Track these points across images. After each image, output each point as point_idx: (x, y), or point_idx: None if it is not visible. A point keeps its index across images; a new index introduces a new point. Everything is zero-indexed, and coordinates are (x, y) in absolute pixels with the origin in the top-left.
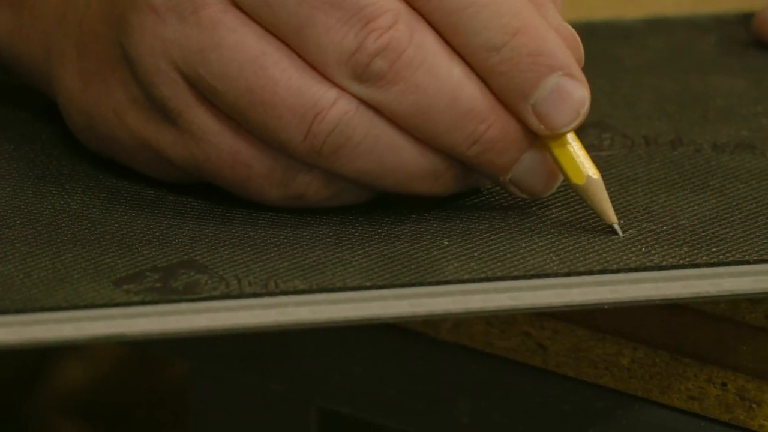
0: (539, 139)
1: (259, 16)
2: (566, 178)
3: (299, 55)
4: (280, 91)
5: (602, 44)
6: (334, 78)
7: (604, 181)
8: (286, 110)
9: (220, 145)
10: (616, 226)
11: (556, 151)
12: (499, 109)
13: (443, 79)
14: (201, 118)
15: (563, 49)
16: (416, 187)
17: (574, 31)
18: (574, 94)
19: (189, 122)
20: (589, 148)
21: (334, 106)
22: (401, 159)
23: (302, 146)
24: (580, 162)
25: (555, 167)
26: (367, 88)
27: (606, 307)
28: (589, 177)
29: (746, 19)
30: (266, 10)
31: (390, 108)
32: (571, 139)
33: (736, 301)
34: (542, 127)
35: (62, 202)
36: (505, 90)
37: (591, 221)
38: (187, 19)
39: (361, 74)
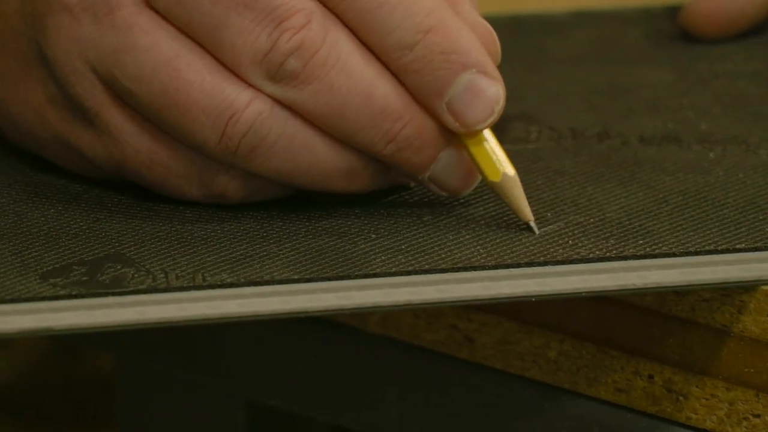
0: (456, 138)
1: (173, 18)
2: (483, 176)
3: (214, 56)
4: (194, 93)
5: (530, 36)
6: (249, 78)
7: (532, 174)
8: (201, 112)
9: (137, 146)
10: (532, 224)
11: (473, 149)
12: (415, 107)
13: (357, 78)
14: (118, 119)
15: (477, 46)
16: (333, 185)
17: (490, 28)
18: (488, 91)
19: (106, 122)
20: (515, 140)
21: (248, 107)
22: (316, 158)
23: (218, 147)
24: (497, 159)
25: (473, 165)
26: (282, 87)
27: (533, 299)
28: (505, 174)
29: (673, 12)
30: (180, 12)
31: (304, 107)
32: (488, 136)
33: (662, 293)
34: (457, 124)
35: None
36: (419, 88)
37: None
38: (101, 21)
39: (275, 74)
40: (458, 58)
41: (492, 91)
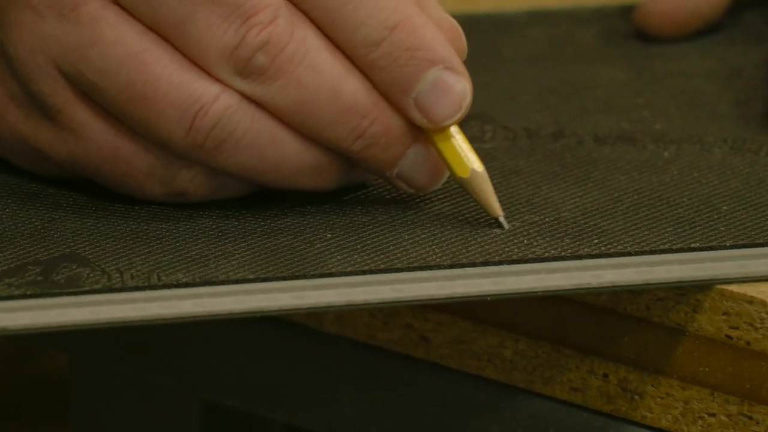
0: (424, 134)
1: (139, 13)
2: (451, 172)
3: (181, 52)
4: (162, 86)
5: (484, 36)
6: (217, 74)
7: (487, 173)
8: (168, 105)
9: (100, 142)
10: (502, 219)
11: (441, 145)
12: (383, 104)
13: (325, 74)
14: (81, 115)
15: (443, 42)
16: (300, 181)
17: (456, 23)
18: (455, 87)
19: (69, 119)
20: (471, 140)
21: (216, 101)
22: (284, 153)
23: (184, 142)
24: (465, 155)
25: (441, 161)
26: (250, 83)
27: (489, 299)
28: (473, 170)
29: (627, 11)
30: (146, 7)
31: (272, 103)
32: (455, 132)
33: (617, 292)
34: (425, 120)
35: None
36: (386, 84)
37: (474, 214)
38: (66, 17)
39: (243, 69)
40: (425, 55)
41: (459, 87)
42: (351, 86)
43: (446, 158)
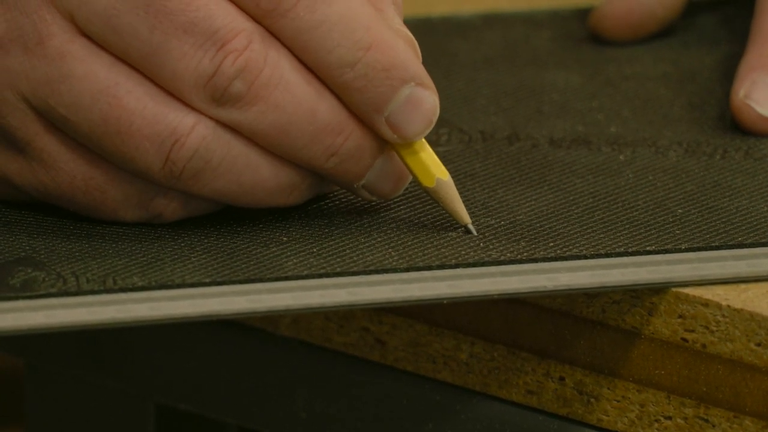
0: (389, 144)
1: (108, 45)
2: (417, 182)
3: (153, 82)
4: (137, 120)
5: (439, 39)
6: (192, 103)
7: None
8: (144, 139)
9: (73, 172)
10: (470, 226)
11: (406, 156)
12: (353, 119)
13: (301, 95)
14: (52, 146)
15: (413, 58)
16: (274, 201)
17: (411, 36)
18: (426, 102)
19: (39, 150)
20: None
21: (192, 132)
22: (259, 177)
23: (161, 173)
24: (430, 165)
25: (404, 168)
26: (227, 110)
27: (445, 302)
28: (438, 179)
29: (582, 14)
30: (116, 39)
31: (250, 128)
32: (421, 142)
33: (573, 295)
34: (395, 136)
35: None
36: (360, 104)
37: (430, 218)
38: (32, 51)
39: (220, 97)
40: (398, 74)
41: (430, 102)
42: (326, 105)
43: (411, 168)
